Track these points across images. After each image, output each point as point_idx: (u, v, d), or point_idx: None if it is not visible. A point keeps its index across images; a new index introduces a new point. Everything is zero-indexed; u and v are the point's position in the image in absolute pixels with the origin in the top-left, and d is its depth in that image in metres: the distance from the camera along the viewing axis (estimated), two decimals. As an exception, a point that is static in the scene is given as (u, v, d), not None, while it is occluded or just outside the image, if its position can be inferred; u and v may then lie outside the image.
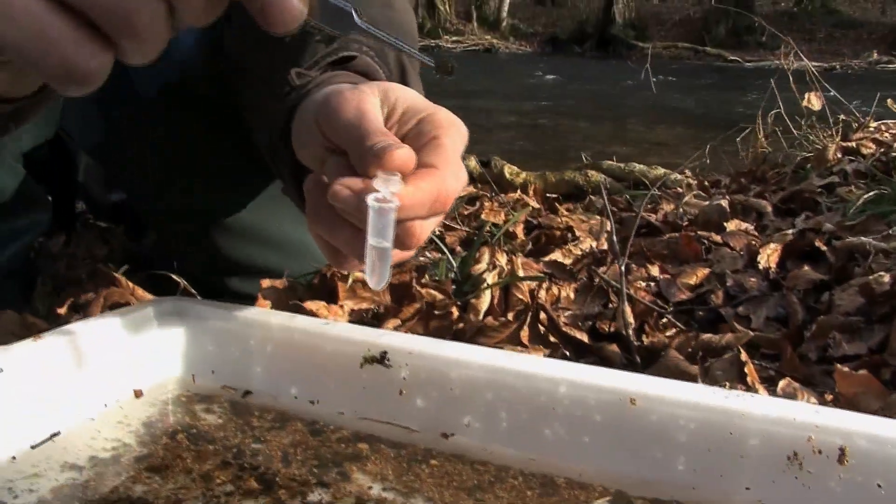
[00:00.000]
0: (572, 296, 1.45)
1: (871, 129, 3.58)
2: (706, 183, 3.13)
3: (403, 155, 0.71)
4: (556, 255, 1.79)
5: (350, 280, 1.27)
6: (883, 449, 0.70)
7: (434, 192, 0.72)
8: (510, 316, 1.30)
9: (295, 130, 0.92)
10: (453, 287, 1.38)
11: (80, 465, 0.81)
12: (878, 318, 1.41)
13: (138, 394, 0.94)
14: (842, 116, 3.60)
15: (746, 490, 0.75)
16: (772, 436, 0.74)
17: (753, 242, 1.94)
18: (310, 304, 1.21)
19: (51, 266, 1.56)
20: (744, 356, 1.15)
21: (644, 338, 1.28)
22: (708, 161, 3.57)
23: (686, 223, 2.25)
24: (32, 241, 1.52)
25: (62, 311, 1.36)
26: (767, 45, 21.31)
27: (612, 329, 1.35)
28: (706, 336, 1.25)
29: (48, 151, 1.72)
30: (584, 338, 1.28)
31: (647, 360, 1.23)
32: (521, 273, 1.39)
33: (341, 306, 1.24)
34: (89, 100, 0.92)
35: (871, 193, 2.26)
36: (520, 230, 2.06)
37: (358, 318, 1.26)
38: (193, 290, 1.32)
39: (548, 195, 3.17)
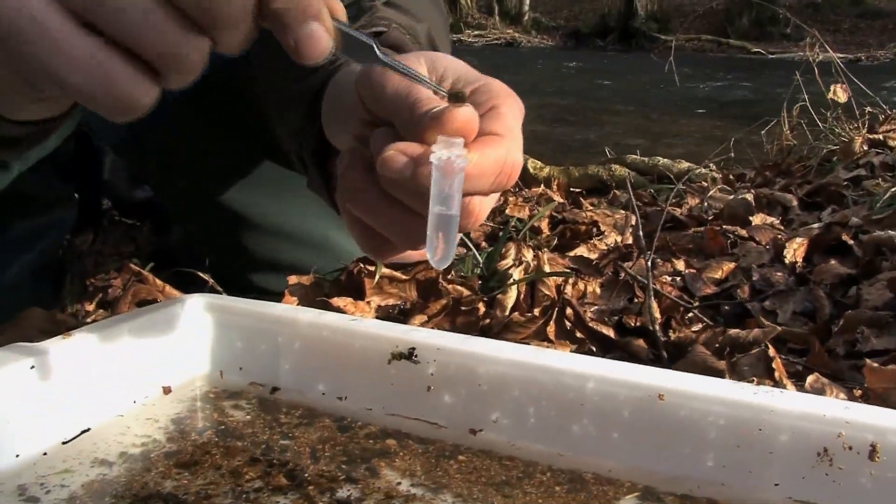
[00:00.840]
0: (598, 291, 1.45)
1: (899, 120, 3.55)
2: (731, 177, 3.11)
3: (468, 113, 0.65)
4: (582, 250, 1.79)
5: (377, 276, 1.27)
6: (915, 445, 0.70)
7: (500, 160, 0.67)
8: (536, 311, 1.30)
9: (326, 108, 0.90)
10: (479, 283, 1.38)
11: (111, 460, 0.82)
12: (907, 313, 1.40)
13: (167, 390, 0.95)
14: (868, 109, 3.57)
15: (776, 486, 0.75)
16: (801, 432, 0.74)
17: (779, 236, 1.93)
18: (337, 301, 1.22)
19: (78, 263, 1.58)
20: (771, 351, 1.15)
21: (671, 333, 1.28)
22: (732, 154, 3.55)
23: (711, 217, 2.25)
24: (60, 238, 1.54)
25: (90, 307, 1.38)
26: (791, 37, 21.16)
27: (639, 323, 1.34)
28: (733, 331, 1.25)
29: (74, 149, 1.73)
30: (611, 333, 1.28)
31: (674, 356, 1.22)
32: (547, 269, 1.39)
33: (368, 302, 1.24)
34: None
35: (898, 186, 2.24)
36: (545, 225, 2.06)
37: (384, 314, 1.26)
38: (219, 288, 1.33)
39: (572, 190, 3.17)
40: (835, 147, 3.18)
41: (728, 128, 6.67)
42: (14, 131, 0.75)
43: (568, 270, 1.47)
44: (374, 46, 0.66)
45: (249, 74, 1.21)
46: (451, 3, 25.14)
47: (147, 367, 0.94)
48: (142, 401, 0.93)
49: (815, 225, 2.04)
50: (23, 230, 1.38)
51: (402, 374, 0.90)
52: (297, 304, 1.25)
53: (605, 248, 1.87)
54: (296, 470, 0.80)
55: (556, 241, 1.91)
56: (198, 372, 1.00)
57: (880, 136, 3.18)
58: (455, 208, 0.64)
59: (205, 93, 1.32)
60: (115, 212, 2.11)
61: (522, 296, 1.34)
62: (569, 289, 1.36)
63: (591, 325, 1.27)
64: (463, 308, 1.25)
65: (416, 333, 0.92)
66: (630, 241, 1.93)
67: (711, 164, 3.36)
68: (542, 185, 3.12)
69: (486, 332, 1.25)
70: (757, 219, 2.13)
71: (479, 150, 0.65)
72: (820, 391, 1.09)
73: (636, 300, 1.46)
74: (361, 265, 1.31)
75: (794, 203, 2.43)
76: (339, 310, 1.20)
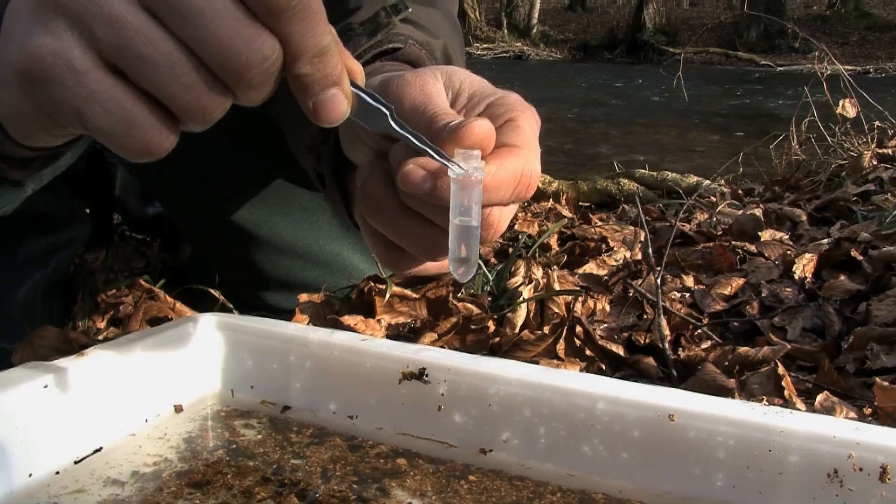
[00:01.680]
0: (608, 308, 1.45)
1: (908, 135, 3.55)
2: (740, 192, 3.11)
3: (485, 127, 0.66)
4: (591, 267, 1.79)
5: (388, 295, 1.28)
6: (925, 467, 0.70)
7: (518, 172, 0.67)
8: (546, 329, 1.30)
9: (343, 123, 0.91)
10: (489, 300, 1.39)
11: (123, 480, 0.82)
12: (917, 329, 1.40)
13: (178, 409, 0.95)
14: (877, 123, 3.57)
15: (786, 507, 0.75)
16: (812, 453, 0.74)
17: (788, 252, 1.93)
18: (347, 319, 1.22)
19: (89, 280, 1.58)
20: (781, 370, 1.15)
21: (680, 351, 1.28)
22: (741, 170, 3.55)
23: (720, 232, 2.25)
24: (72, 255, 1.54)
25: (101, 324, 1.38)
26: (799, 49, 21.16)
27: (648, 341, 1.35)
28: (743, 350, 1.25)
29: (85, 166, 1.74)
30: (621, 351, 1.28)
31: (684, 374, 1.23)
32: (556, 286, 1.39)
33: (378, 321, 1.25)
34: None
35: (907, 202, 2.24)
36: (554, 241, 2.06)
37: (395, 332, 1.26)
38: (230, 305, 1.33)
39: (580, 204, 3.17)
40: (843, 162, 3.17)
41: (736, 141, 6.67)
42: (29, 153, 0.76)
43: (577, 289, 1.47)
44: (389, 116, 0.67)
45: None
46: (460, 16, 25.15)
47: (159, 386, 0.95)
48: (153, 419, 0.94)
49: (825, 240, 2.04)
50: (36, 248, 1.38)
51: (412, 394, 0.90)
52: (308, 323, 1.26)
53: (615, 263, 1.88)
54: (307, 490, 0.80)
55: (565, 258, 1.91)
56: (209, 390, 1.01)
57: (889, 151, 3.18)
58: (476, 219, 0.65)
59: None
60: (126, 228, 2.12)
61: (532, 314, 1.34)
62: (578, 306, 1.37)
63: (600, 342, 1.27)
64: (473, 326, 1.26)
65: (426, 353, 0.92)
66: (639, 256, 1.93)
67: (720, 179, 3.36)
68: (551, 200, 3.13)
69: (496, 351, 1.26)
70: (766, 234, 2.13)
71: (497, 162, 0.66)
72: (830, 410, 1.09)
73: (646, 317, 1.47)
74: (372, 283, 1.32)
75: (804, 218, 2.43)
76: (349, 328, 1.20)
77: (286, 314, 1.30)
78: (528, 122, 0.72)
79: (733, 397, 1.10)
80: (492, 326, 1.27)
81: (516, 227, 2.32)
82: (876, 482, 0.71)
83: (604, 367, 1.26)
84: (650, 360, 1.25)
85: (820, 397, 1.11)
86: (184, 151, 1.40)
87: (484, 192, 0.65)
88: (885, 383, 1.12)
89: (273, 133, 1.23)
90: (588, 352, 1.27)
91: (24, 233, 1.37)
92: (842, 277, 1.72)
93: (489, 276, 1.46)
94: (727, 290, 1.70)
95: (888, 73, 18.38)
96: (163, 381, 0.96)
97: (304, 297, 1.30)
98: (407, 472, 0.84)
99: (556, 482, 0.82)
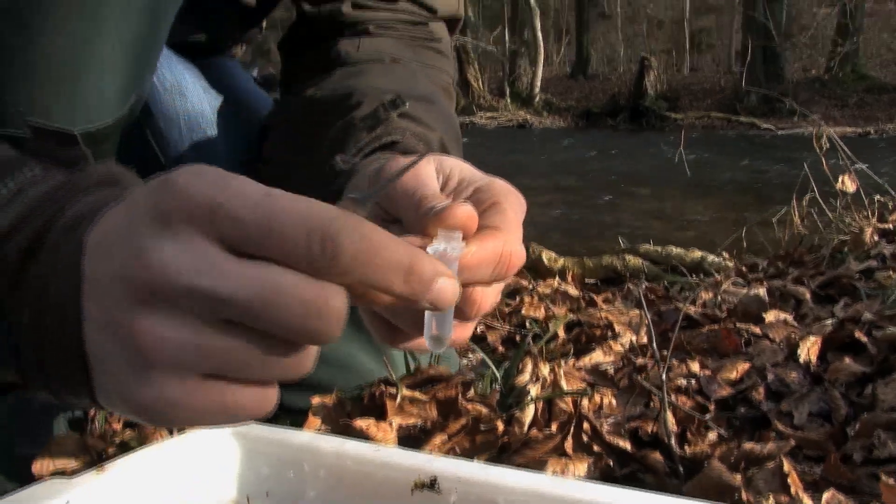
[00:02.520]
0: (614, 402, 1.47)
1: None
2: (743, 268, 3.14)
3: (466, 210, 0.69)
4: (598, 355, 1.81)
5: (398, 398, 1.30)
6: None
7: (497, 252, 0.70)
8: (554, 427, 1.32)
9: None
10: (498, 397, 1.41)
11: None
12: (924, 415, 1.41)
13: (196, 519, 0.98)
14: (878, 197, 3.60)
15: None
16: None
17: (793, 334, 1.95)
18: (359, 422, 1.25)
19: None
20: (786, 466, 1.16)
21: (686, 447, 1.29)
22: (745, 245, 3.58)
23: (725, 313, 2.27)
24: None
25: (118, 426, 1.40)
26: (799, 113, 21.26)
27: (654, 430, 1.36)
28: (748, 445, 1.26)
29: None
30: (627, 446, 1.30)
31: (690, 469, 1.24)
32: (563, 384, 1.41)
33: (390, 423, 1.27)
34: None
35: (909, 279, 2.26)
36: (561, 330, 2.09)
37: (406, 433, 1.28)
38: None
39: (586, 281, 3.21)
40: (845, 238, 3.20)
41: (739, 209, 6.72)
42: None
43: (584, 388, 1.49)
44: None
45: (271, 176, 1.26)
46: (464, 86, 25.47)
47: (177, 496, 0.97)
48: (172, 531, 0.96)
49: (829, 321, 2.05)
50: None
51: (424, 503, 0.92)
52: (321, 425, 1.28)
53: (621, 348, 1.90)
54: None
55: (571, 349, 1.93)
56: (225, 497, 1.03)
57: (891, 226, 3.21)
58: None
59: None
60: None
61: (540, 411, 1.36)
62: (585, 402, 1.39)
63: (607, 438, 1.29)
64: (482, 427, 1.28)
65: (437, 463, 0.94)
66: (644, 339, 1.95)
67: (724, 253, 3.39)
68: (557, 277, 3.16)
69: (505, 449, 1.28)
70: (770, 315, 2.15)
71: (478, 242, 0.69)
72: (836, 508, 1.11)
73: (652, 405, 1.48)
74: (384, 386, 1.34)
75: (808, 296, 2.45)
76: (361, 431, 1.23)
77: (299, 414, 1.32)
78: (511, 206, 0.75)
79: (739, 495, 1.12)
80: (500, 427, 1.30)
81: (523, 311, 2.35)
82: None
83: (611, 463, 1.28)
84: (657, 456, 1.27)
85: (826, 496, 1.12)
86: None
87: (465, 270, 0.68)
88: (891, 481, 1.13)
89: None
90: (595, 447, 1.29)
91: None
92: (846, 360, 1.73)
93: (497, 374, 1.49)
94: (733, 375, 1.72)
95: (889, 134, 18.47)
96: (180, 490, 0.98)
97: (316, 400, 1.32)
98: (421, 585, 0.86)
99: None
